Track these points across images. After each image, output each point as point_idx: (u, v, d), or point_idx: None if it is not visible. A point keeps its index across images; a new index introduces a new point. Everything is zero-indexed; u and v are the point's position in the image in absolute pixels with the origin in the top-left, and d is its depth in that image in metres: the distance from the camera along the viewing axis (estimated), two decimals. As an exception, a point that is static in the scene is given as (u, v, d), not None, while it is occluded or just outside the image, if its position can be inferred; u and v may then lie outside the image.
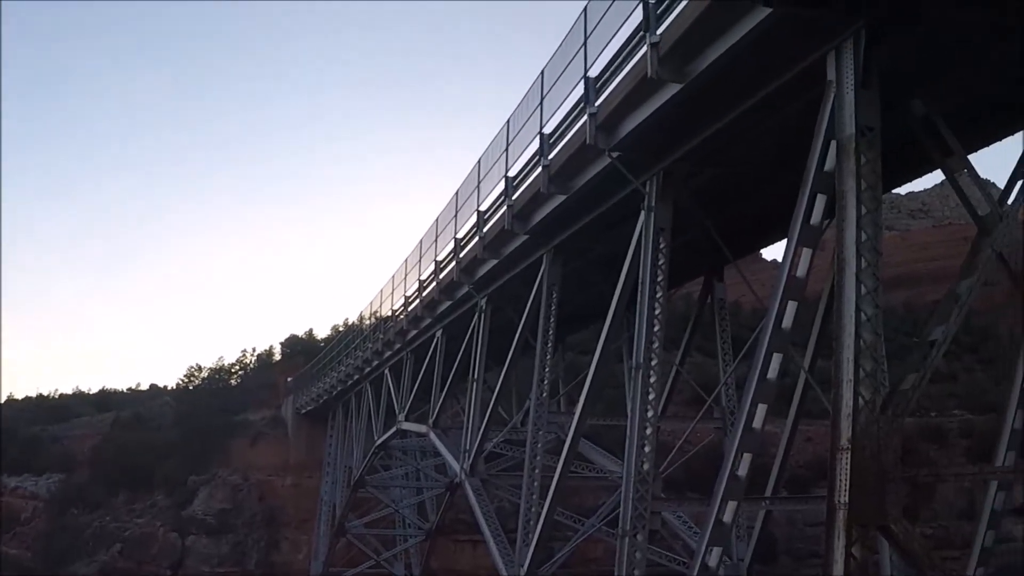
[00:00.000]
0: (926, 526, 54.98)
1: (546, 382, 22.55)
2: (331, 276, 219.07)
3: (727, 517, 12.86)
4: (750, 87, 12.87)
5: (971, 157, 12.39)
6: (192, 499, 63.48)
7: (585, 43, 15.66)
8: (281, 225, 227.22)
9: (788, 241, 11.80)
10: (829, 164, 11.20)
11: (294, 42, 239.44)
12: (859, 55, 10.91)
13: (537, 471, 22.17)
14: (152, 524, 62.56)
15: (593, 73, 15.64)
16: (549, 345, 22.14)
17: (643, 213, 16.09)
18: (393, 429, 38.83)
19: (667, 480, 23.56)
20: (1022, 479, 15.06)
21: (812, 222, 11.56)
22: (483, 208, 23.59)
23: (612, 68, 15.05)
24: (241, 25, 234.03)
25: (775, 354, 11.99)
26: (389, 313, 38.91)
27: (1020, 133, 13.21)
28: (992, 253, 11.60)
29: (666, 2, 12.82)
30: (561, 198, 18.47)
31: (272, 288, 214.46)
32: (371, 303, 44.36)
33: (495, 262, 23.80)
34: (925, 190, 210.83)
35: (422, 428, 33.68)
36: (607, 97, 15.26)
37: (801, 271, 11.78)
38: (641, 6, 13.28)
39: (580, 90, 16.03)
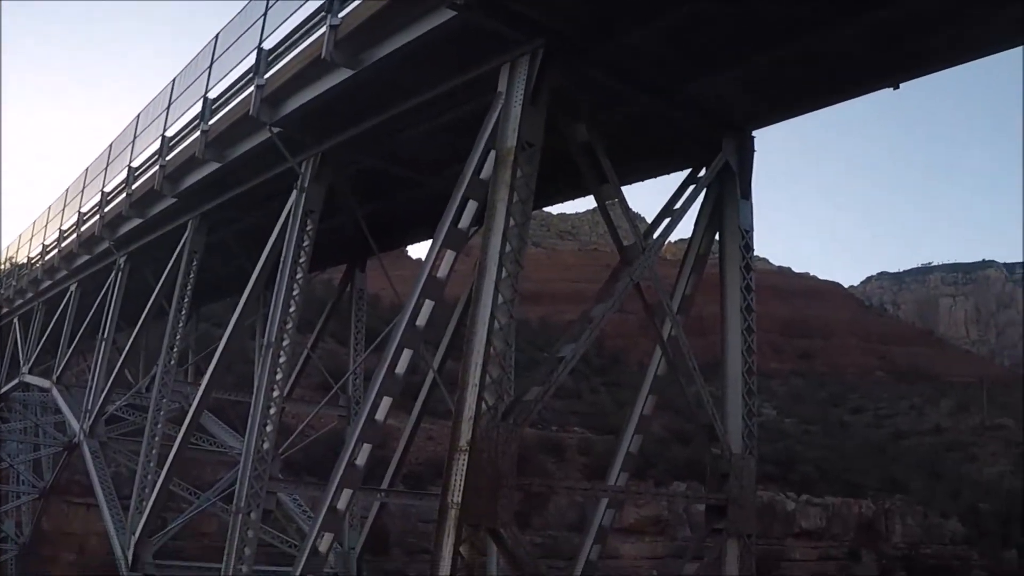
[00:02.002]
0: (536, 534, 57.38)
1: (176, 350, 22.03)
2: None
3: (341, 504, 12.91)
4: (422, 85, 13.03)
5: (625, 189, 12.97)
6: None
7: (265, 13, 15.34)
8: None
9: (433, 241, 11.95)
10: (486, 173, 11.41)
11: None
12: (532, 72, 11.22)
13: (157, 439, 21.68)
14: None
15: (268, 45, 15.35)
16: (183, 313, 21.68)
17: (295, 192, 15.98)
18: (15, 381, 36.98)
19: (287, 462, 23.55)
20: (632, 499, 15.86)
21: (460, 226, 11.74)
22: (135, 164, 22.74)
23: (288, 43, 14.78)
24: None
25: (406, 350, 12.12)
26: (25, 260, 36.88)
27: (675, 174, 14.02)
28: (630, 282, 12.13)
29: (355, -14, 12.75)
30: (215, 166, 18.00)
31: None
32: (7, 247, 41.94)
33: (140, 221, 22.98)
34: (576, 213, 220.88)
35: (45, 383, 32.11)
36: (278, 71, 15.01)
37: (442, 272, 11.95)
38: (327, -14, 13.14)
39: (252, 60, 15.73)
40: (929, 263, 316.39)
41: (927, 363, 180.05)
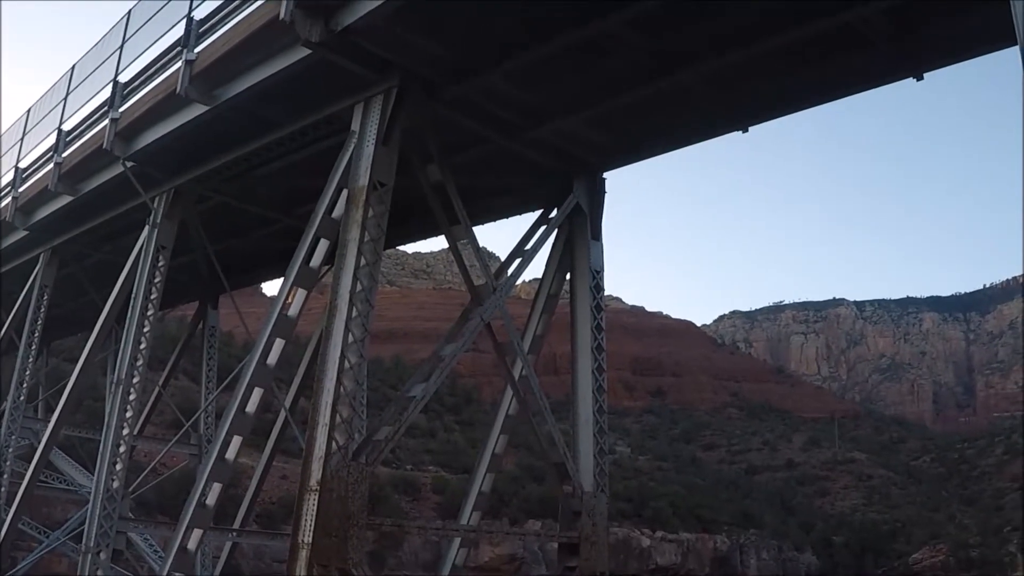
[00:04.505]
0: (391, 573, 56.86)
1: (25, 385, 21.49)
2: None
3: (191, 544, 12.70)
4: (277, 123, 13.11)
5: (478, 228, 13.18)
6: None
7: (122, 46, 15.21)
8: None
9: (284, 279, 11.98)
10: (338, 211, 11.50)
11: None
12: (386, 112, 11.37)
13: (6, 476, 21.13)
14: None
15: (124, 78, 15.22)
16: (33, 347, 21.17)
17: (147, 228, 15.82)
18: None
19: (138, 500, 23.07)
20: (486, 538, 15.93)
21: (311, 264, 11.80)
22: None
23: (144, 77, 14.70)
24: None
25: (257, 388, 12.07)
26: None
27: (529, 214, 14.24)
28: (481, 322, 12.29)
29: (211, 22, 12.73)
30: (68, 198, 17.74)
31: None
32: None
33: (-10, 252, 22.38)
34: (431, 252, 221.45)
35: None
36: (133, 105, 14.90)
37: (293, 311, 11.99)
38: (185, 21, 13.09)
39: (108, 93, 15.55)
40: (781, 302, 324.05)
41: (779, 399, 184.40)
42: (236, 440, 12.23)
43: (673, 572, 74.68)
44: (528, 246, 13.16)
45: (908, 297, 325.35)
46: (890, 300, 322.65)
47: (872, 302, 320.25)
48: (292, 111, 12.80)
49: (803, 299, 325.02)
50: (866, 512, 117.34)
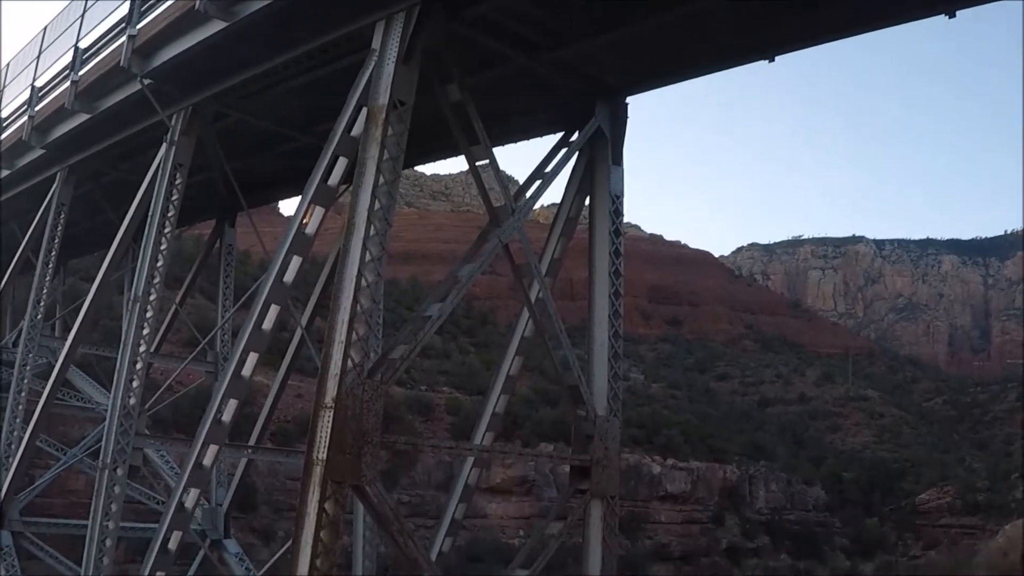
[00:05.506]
0: (404, 493, 57.36)
1: (42, 304, 21.66)
2: None
3: (207, 460, 12.83)
4: (296, 40, 12.95)
5: (498, 151, 13.04)
6: None
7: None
8: None
9: (302, 197, 11.95)
10: (356, 130, 11.40)
11: None
12: (407, 30, 11.21)
13: (23, 395, 21.38)
14: None
15: (143, -6, 15.07)
16: (50, 266, 21.30)
17: (164, 146, 15.76)
18: None
19: (154, 418, 23.28)
20: (499, 459, 15.99)
21: (329, 182, 11.75)
22: (3, 115, 22.24)
23: (164, -8, 14.59)
24: None
25: (273, 305, 12.08)
26: None
27: (549, 136, 14.10)
28: (498, 244, 12.22)
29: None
30: (85, 117, 17.69)
31: None
32: None
33: (7, 172, 22.47)
34: (450, 174, 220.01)
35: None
36: (151, 21, 14.78)
37: (311, 228, 11.95)
38: (203, -66, 12.92)
39: (125, 9, 15.44)
40: (800, 236, 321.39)
41: (794, 333, 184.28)
42: (252, 357, 12.26)
43: (682, 500, 75.09)
44: (548, 169, 13.00)
45: (928, 238, 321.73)
46: (910, 240, 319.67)
47: (892, 241, 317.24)
48: (312, 28, 12.66)
49: (822, 234, 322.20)
50: (876, 450, 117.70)
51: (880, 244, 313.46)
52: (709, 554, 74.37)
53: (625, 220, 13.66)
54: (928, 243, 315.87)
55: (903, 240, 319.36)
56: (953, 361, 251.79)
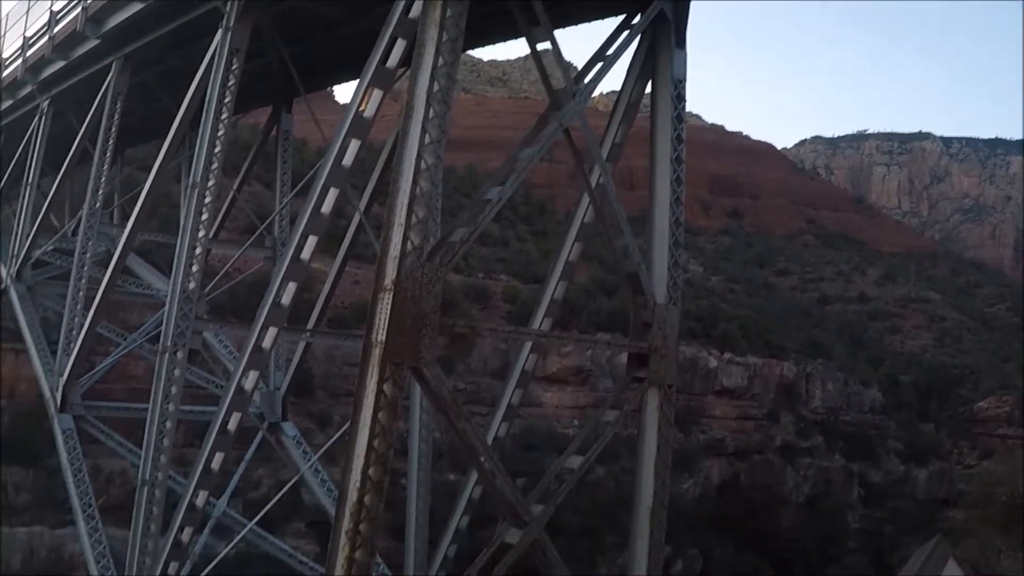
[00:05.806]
0: (460, 379, 57.66)
1: (101, 192, 21.84)
2: None
3: (267, 343, 12.89)
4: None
5: (558, 33, 12.65)
6: None
7: None
8: None
9: (360, 79, 11.77)
10: (415, 11, 11.12)
11: None
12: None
13: (84, 282, 21.71)
14: None
15: None
16: (108, 156, 21.46)
17: (220, 32, 15.53)
18: (-64, 228, 36.21)
19: (213, 305, 23.48)
20: (556, 347, 15.86)
21: (388, 65, 11.57)
22: (57, 7, 22.06)
23: None
24: None
25: (332, 188, 12.00)
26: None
27: (611, 18, 13.72)
28: (559, 127, 11.92)
29: None
30: (139, 5, 17.54)
31: None
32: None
33: (63, 63, 22.45)
34: (508, 60, 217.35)
35: (-32, 230, 31.60)
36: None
37: (369, 111, 11.78)
38: None
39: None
40: (865, 130, 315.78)
41: (856, 230, 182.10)
42: (311, 240, 12.23)
43: (738, 395, 75.10)
44: (610, 52, 12.59)
45: (997, 138, 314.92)
46: (978, 139, 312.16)
47: (960, 139, 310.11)
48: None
49: (888, 129, 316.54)
50: (935, 354, 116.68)
51: (948, 142, 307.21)
52: (762, 451, 74.32)
53: (687, 109, 13.36)
54: (997, 143, 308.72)
55: (971, 139, 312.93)
56: (1019, 267, 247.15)
